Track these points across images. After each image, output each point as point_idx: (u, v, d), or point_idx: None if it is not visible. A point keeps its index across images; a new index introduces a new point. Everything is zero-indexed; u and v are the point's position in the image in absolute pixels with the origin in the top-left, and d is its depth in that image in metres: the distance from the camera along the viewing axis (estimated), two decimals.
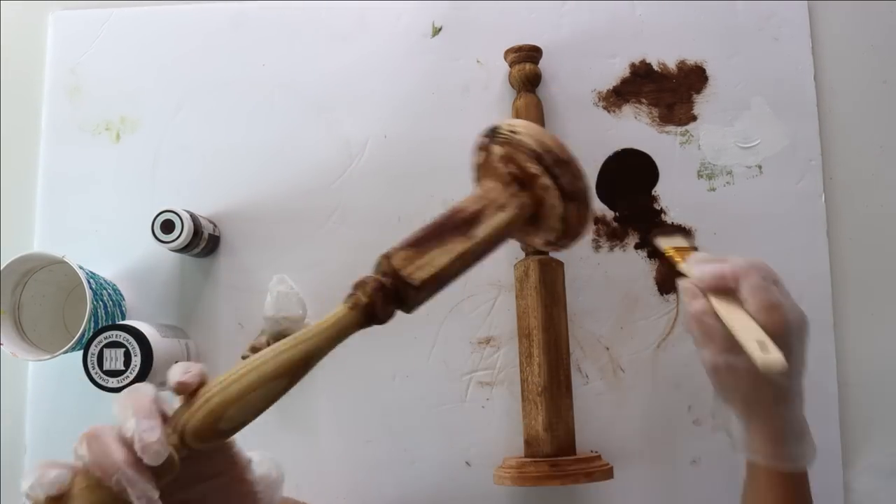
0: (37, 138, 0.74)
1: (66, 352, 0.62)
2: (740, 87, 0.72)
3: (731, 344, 0.46)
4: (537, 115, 0.69)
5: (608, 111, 0.72)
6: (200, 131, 0.73)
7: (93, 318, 0.63)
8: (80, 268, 0.63)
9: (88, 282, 0.63)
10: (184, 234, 0.64)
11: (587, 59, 0.73)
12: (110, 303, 0.67)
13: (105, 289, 0.67)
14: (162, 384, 0.65)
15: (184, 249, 0.66)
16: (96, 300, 0.63)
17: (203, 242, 0.67)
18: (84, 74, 0.74)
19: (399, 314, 0.42)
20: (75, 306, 0.69)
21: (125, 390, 0.36)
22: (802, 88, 0.72)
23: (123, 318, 0.69)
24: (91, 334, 0.61)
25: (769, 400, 0.47)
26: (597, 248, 0.70)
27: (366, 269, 0.71)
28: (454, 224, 0.44)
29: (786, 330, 0.45)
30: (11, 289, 0.65)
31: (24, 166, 0.74)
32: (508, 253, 0.70)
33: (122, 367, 0.62)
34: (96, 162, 0.73)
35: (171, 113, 0.73)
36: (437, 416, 0.69)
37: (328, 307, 0.41)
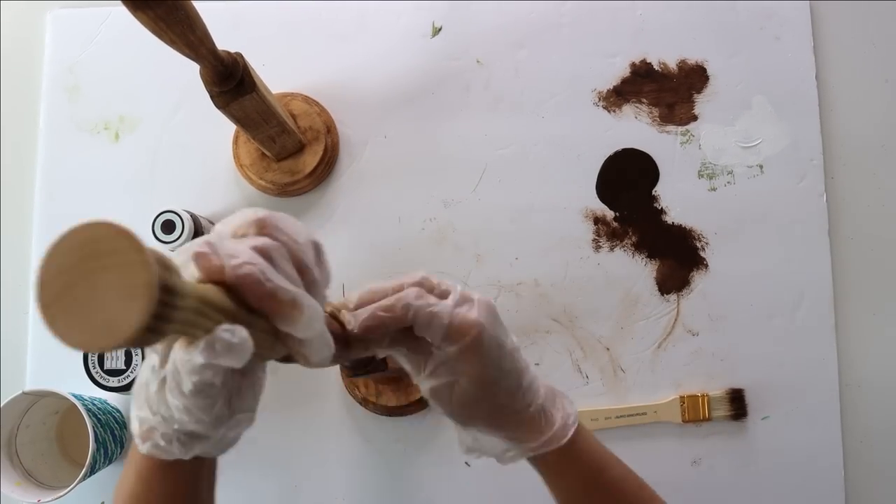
0: (35, 138, 0.74)
1: (77, 483, 0.61)
2: (741, 87, 0.72)
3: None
4: None
5: (608, 111, 0.72)
6: (200, 131, 0.72)
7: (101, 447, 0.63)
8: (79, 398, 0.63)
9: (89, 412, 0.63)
10: (184, 234, 0.64)
11: (587, 59, 0.72)
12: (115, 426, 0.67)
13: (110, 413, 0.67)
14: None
15: None
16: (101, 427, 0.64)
17: None
18: (82, 73, 0.74)
19: None
20: (70, 424, 0.70)
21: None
22: (804, 87, 0.71)
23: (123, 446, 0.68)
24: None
25: (492, 403, 0.41)
26: (597, 248, 0.70)
27: (365, 268, 0.71)
28: None
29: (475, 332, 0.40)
30: (8, 431, 0.65)
31: (22, 166, 0.74)
32: (508, 252, 0.70)
33: (123, 367, 0.62)
34: (95, 162, 0.73)
35: (171, 112, 0.73)
36: (436, 415, 0.69)
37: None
